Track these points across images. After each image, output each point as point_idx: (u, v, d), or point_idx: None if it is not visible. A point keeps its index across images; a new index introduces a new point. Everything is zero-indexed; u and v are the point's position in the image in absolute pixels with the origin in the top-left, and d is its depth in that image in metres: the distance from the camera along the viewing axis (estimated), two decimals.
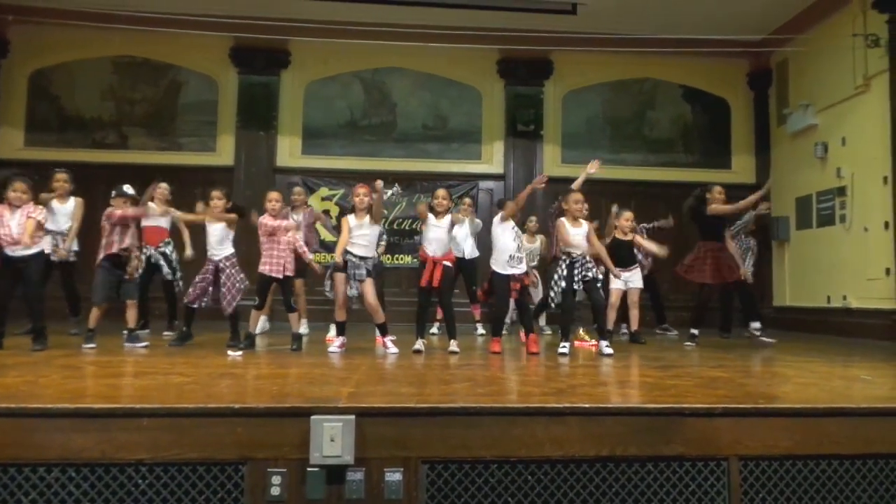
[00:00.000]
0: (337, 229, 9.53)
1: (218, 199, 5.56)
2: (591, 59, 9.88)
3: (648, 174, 10.13)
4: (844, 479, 2.75)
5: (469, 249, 6.58)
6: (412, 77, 10.00)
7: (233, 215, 5.55)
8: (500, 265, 5.25)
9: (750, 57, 10.08)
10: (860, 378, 3.97)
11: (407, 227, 9.75)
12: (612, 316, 6.29)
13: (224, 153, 9.63)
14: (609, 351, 5.13)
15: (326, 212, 9.69)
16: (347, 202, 9.68)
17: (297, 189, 7.54)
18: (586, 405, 2.71)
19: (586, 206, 5.44)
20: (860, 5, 7.91)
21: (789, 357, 5.31)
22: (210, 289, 5.41)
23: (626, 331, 7.04)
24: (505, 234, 5.24)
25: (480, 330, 7.38)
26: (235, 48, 9.58)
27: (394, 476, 2.53)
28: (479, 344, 6.24)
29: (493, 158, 10.01)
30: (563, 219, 5.36)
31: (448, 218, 5.39)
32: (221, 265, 5.42)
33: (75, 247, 6.27)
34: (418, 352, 5.06)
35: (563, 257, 5.32)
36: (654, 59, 9.90)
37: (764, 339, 6.63)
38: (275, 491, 2.48)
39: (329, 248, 9.53)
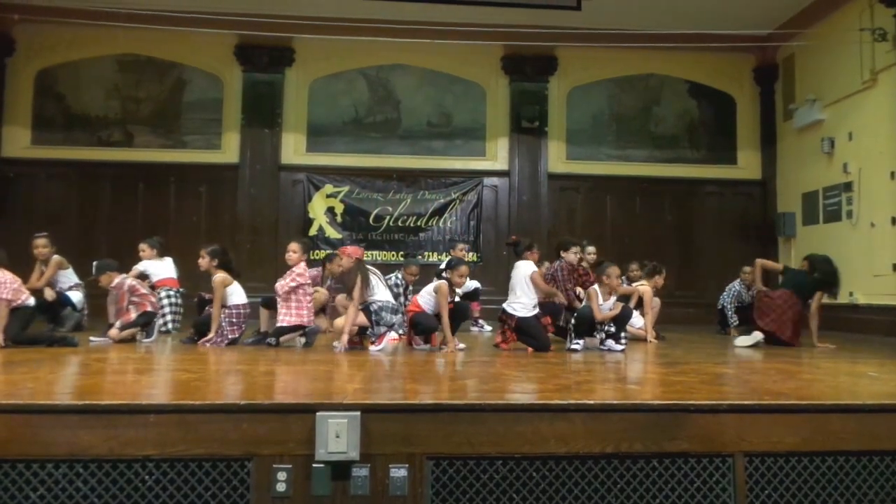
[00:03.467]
0: (342, 226, 9.60)
1: (201, 259, 5.53)
2: (596, 54, 9.85)
3: (653, 170, 10.11)
4: (850, 475, 2.74)
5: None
6: (416, 74, 10.00)
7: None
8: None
9: (756, 52, 10.04)
10: (867, 374, 3.95)
11: (411, 224, 9.76)
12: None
13: (229, 151, 9.66)
14: (619, 347, 5.23)
15: (331, 209, 9.71)
16: (352, 199, 9.71)
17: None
18: (591, 402, 2.70)
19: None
20: None
21: (795, 353, 5.29)
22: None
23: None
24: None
25: (487, 327, 7.45)
26: (240, 46, 9.60)
27: (399, 472, 2.53)
28: (483, 341, 6.24)
29: (497, 155, 10.01)
30: (596, 289, 5.37)
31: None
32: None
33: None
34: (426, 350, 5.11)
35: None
36: (659, 54, 9.87)
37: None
38: (280, 487, 2.48)
39: (334, 244, 9.54)
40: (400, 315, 5.26)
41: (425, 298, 5.21)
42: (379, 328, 5.02)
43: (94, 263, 5.80)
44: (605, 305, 5.34)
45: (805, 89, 9.21)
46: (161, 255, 6.66)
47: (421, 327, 5.22)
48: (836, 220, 8.55)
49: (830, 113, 8.70)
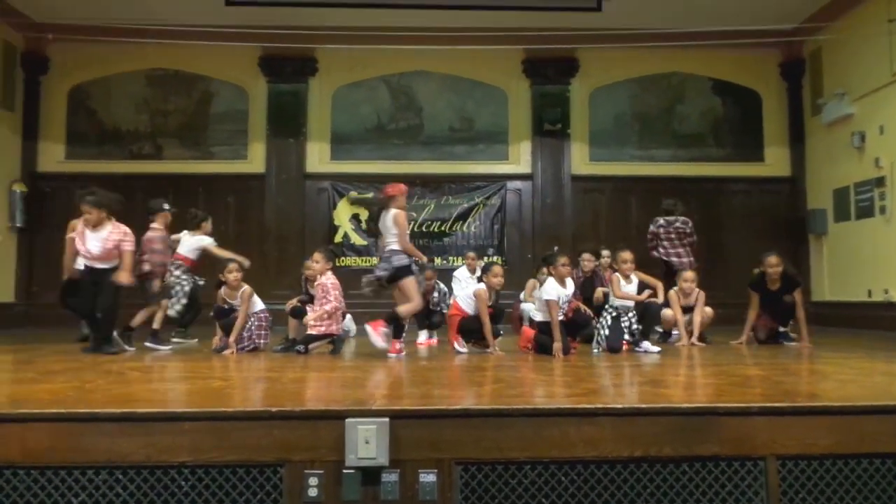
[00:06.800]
0: (367, 232, 9.67)
1: (237, 272, 5.57)
2: (617, 55, 9.80)
3: (678, 169, 10.00)
4: (887, 478, 2.68)
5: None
6: (438, 80, 10.05)
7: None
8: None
9: (782, 47, 9.87)
10: None
11: (435, 230, 9.79)
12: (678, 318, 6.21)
13: (255, 161, 9.82)
14: (655, 349, 5.32)
15: (356, 216, 9.79)
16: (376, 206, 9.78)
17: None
18: (619, 405, 2.70)
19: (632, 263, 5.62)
20: None
21: (828, 353, 5.19)
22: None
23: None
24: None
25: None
26: (264, 57, 9.76)
27: (428, 477, 2.55)
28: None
29: (520, 158, 10.00)
30: (616, 275, 5.57)
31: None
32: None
33: None
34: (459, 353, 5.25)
35: (610, 310, 5.51)
36: (681, 52, 9.77)
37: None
38: (312, 492, 2.52)
39: (359, 251, 9.65)
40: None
41: (466, 302, 5.49)
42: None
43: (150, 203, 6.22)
44: (627, 289, 5.50)
45: (833, 83, 9.04)
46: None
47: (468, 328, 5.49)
48: (869, 215, 8.36)
49: (860, 107, 8.52)
